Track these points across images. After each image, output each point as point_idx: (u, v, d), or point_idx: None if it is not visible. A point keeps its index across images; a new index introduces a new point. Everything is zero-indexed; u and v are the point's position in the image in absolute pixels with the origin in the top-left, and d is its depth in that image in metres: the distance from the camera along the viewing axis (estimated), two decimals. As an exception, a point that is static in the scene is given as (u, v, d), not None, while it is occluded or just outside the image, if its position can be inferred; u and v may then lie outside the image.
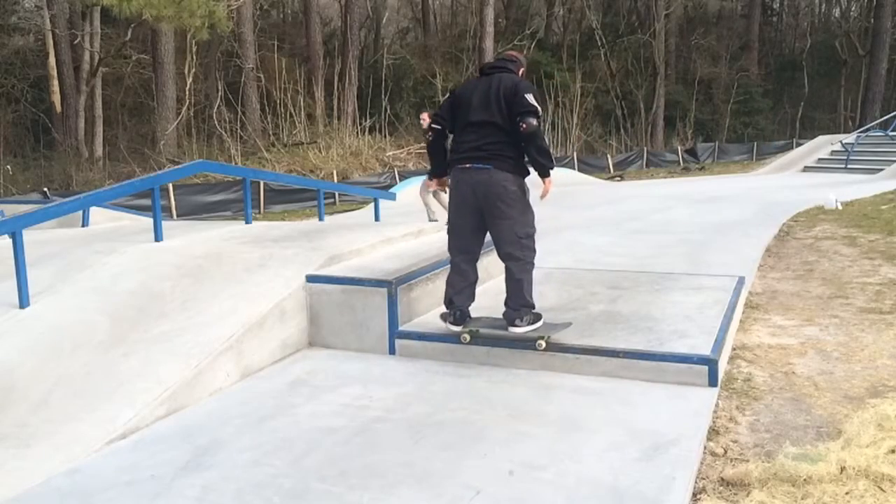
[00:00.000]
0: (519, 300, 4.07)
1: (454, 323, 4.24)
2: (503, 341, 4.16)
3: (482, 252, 4.80)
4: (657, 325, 4.37)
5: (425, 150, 4.48)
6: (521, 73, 4.30)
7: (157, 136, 18.15)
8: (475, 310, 4.36)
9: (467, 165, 4.05)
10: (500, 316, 4.19)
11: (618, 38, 29.72)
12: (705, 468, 3.01)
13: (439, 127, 4.26)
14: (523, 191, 4.09)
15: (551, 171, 4.17)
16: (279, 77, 19.98)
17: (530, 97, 3.97)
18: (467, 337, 4.19)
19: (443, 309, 4.37)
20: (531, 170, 4.17)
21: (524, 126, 3.92)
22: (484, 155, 4.00)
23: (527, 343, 4.07)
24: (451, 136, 4.27)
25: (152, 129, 18.83)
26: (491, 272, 5.64)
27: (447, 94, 4.50)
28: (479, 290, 4.36)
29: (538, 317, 4.13)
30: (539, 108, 3.99)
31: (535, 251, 4.14)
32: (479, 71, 4.46)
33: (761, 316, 5.31)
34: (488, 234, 4.23)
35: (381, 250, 5.50)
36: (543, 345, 4.00)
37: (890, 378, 3.95)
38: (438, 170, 4.47)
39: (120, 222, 7.85)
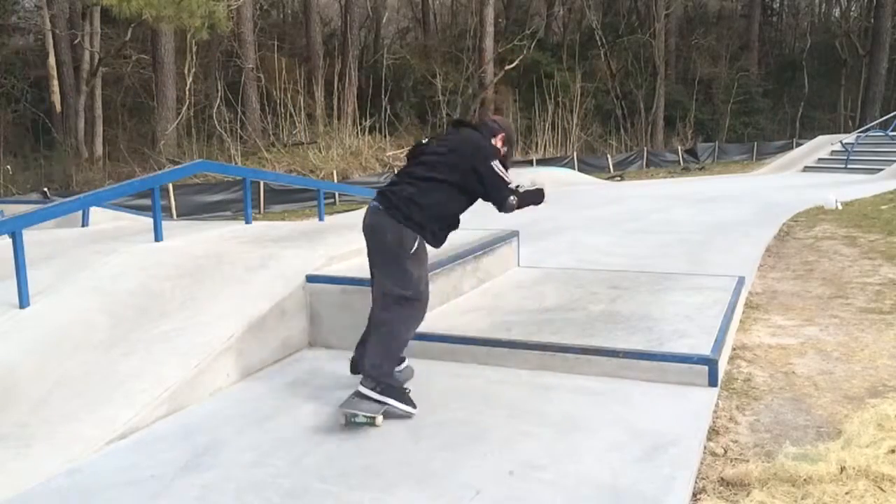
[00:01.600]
0: (371, 360, 3.42)
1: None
2: (502, 341, 4.17)
3: (479, 253, 4.80)
4: (657, 325, 4.37)
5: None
6: (498, 138, 3.69)
7: (157, 136, 18.14)
8: (475, 308, 4.35)
9: (373, 204, 3.55)
10: (495, 315, 4.05)
11: (618, 38, 29.70)
12: (705, 468, 3.01)
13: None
14: (410, 247, 3.41)
15: (521, 206, 3.59)
16: (279, 77, 19.96)
17: (496, 167, 3.47)
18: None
19: (443, 308, 4.35)
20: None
21: (511, 202, 3.51)
22: (390, 198, 3.48)
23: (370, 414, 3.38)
24: None
25: (152, 129, 18.81)
26: (491, 272, 5.65)
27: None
28: (480, 289, 4.35)
29: (394, 392, 3.40)
30: (507, 180, 3.48)
31: (402, 316, 3.45)
32: (451, 123, 3.94)
33: (761, 316, 5.31)
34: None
35: (381, 250, 5.48)
36: (377, 421, 3.34)
37: (890, 378, 3.95)
38: None
39: (120, 222, 7.84)
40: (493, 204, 3.56)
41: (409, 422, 3.40)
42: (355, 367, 3.65)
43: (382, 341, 3.45)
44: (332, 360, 4.39)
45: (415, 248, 3.42)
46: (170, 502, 2.75)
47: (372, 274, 3.62)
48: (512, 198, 3.52)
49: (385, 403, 3.35)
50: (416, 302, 3.48)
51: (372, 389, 3.32)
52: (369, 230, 3.53)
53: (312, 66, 21.86)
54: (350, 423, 3.33)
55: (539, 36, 27.87)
